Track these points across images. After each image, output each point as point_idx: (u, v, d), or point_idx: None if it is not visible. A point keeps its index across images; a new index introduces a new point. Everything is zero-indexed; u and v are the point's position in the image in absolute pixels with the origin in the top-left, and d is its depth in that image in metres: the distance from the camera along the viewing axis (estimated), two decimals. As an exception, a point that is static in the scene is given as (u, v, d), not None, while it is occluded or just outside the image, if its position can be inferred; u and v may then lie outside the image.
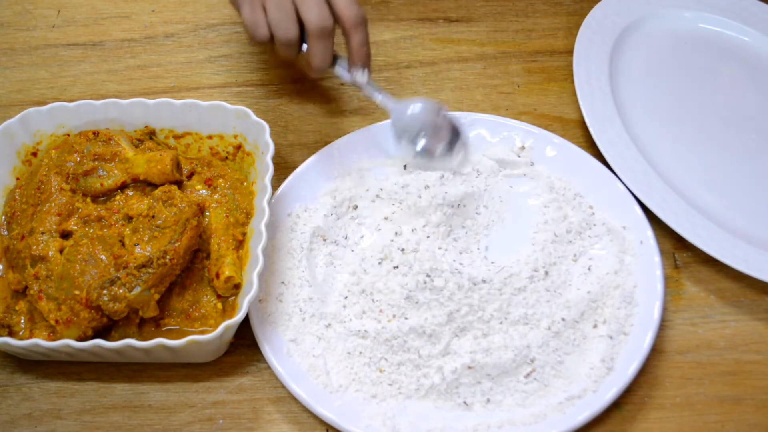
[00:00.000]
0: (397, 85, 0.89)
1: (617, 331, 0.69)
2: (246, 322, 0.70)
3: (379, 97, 0.78)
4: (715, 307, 0.73)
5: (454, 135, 0.78)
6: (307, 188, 0.78)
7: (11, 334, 0.68)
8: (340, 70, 0.77)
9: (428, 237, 0.73)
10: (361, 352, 0.68)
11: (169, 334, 0.68)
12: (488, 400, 0.66)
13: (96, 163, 0.74)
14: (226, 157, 0.78)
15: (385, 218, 0.76)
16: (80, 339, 0.66)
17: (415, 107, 0.78)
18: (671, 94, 0.86)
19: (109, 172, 0.74)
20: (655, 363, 0.70)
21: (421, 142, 0.77)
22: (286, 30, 0.73)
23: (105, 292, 0.66)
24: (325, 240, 0.75)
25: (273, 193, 0.74)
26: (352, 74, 0.77)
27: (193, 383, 0.70)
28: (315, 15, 0.71)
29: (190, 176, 0.76)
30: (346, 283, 0.73)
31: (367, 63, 0.77)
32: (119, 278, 0.66)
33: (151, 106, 0.77)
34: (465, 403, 0.65)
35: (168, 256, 0.67)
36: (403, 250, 0.72)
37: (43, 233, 0.70)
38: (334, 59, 0.77)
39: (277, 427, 0.68)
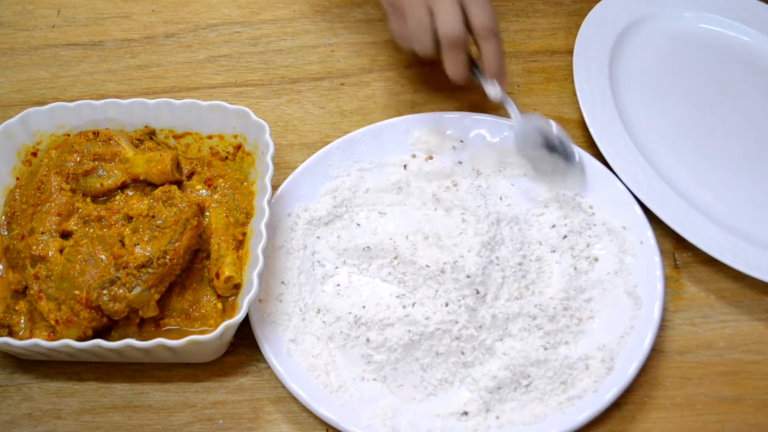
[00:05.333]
0: (397, 85, 0.89)
1: (617, 331, 0.69)
2: (246, 322, 0.70)
3: (511, 110, 0.78)
4: (715, 307, 0.73)
5: (571, 158, 0.77)
6: (307, 188, 0.78)
7: (11, 334, 0.68)
8: (479, 79, 0.78)
9: (427, 238, 0.73)
10: (361, 354, 0.68)
11: (169, 334, 0.68)
12: (488, 410, 0.66)
13: (96, 163, 0.74)
14: (226, 157, 0.78)
15: (385, 217, 0.76)
16: (80, 339, 0.66)
17: (544, 126, 0.77)
18: (671, 94, 0.86)
19: (109, 172, 0.74)
20: (655, 363, 0.70)
21: (552, 155, 0.77)
22: (421, 43, 0.75)
23: (105, 292, 0.66)
24: (325, 240, 0.75)
25: (273, 193, 0.74)
26: (485, 85, 0.77)
27: (193, 383, 0.70)
28: (446, 26, 0.72)
29: (190, 176, 0.76)
30: (347, 284, 0.73)
31: (498, 75, 0.77)
32: (119, 278, 0.66)
33: (151, 106, 0.77)
34: (465, 413, 0.66)
35: (168, 256, 0.67)
36: (404, 250, 0.73)
37: (43, 233, 0.70)
38: (475, 66, 0.78)
39: (277, 427, 0.68)
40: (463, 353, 0.67)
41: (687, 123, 0.84)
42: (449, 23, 0.72)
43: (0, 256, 0.73)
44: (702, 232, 0.73)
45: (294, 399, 0.67)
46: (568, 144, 0.77)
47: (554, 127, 0.77)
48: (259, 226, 0.68)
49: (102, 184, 0.74)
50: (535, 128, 0.77)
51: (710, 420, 0.67)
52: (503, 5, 0.96)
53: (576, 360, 0.67)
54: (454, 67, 0.76)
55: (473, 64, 0.78)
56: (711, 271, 0.75)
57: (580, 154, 0.77)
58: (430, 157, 0.80)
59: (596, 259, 0.73)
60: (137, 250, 0.69)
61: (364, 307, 0.70)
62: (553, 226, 0.75)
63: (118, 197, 0.74)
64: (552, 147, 0.77)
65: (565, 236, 0.74)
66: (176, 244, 0.68)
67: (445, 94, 0.88)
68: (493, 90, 0.77)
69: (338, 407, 0.65)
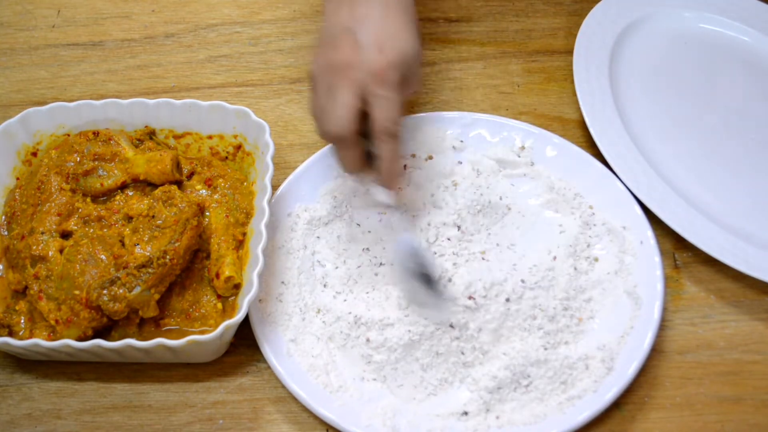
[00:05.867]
0: (397, 85, 0.88)
1: (617, 331, 0.69)
2: (246, 322, 0.70)
3: (396, 222, 0.71)
4: (715, 307, 0.73)
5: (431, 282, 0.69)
6: (307, 188, 0.78)
7: (11, 334, 0.68)
8: (372, 182, 0.71)
9: (427, 239, 0.73)
10: (361, 354, 0.68)
11: (169, 334, 0.68)
12: (488, 410, 0.66)
13: (96, 163, 0.74)
14: (226, 157, 0.78)
15: (385, 217, 0.76)
16: (80, 339, 0.66)
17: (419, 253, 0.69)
18: (671, 94, 0.86)
19: (109, 172, 0.74)
20: (655, 363, 0.70)
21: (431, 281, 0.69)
22: (318, 126, 0.69)
23: (105, 292, 0.66)
24: (325, 240, 0.75)
25: (273, 193, 0.74)
26: (376, 188, 0.70)
27: (193, 383, 0.70)
28: (332, 120, 0.66)
29: (190, 176, 0.76)
30: (347, 284, 0.73)
31: (388, 183, 0.69)
32: (119, 278, 0.66)
33: (151, 106, 0.77)
34: (465, 413, 0.66)
35: (168, 256, 0.67)
36: (402, 250, 0.73)
37: (43, 233, 0.70)
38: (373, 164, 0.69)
39: (277, 427, 0.68)
40: (463, 353, 0.67)
41: (687, 123, 0.84)
42: (336, 119, 0.66)
43: (0, 256, 0.73)
44: (702, 232, 0.73)
45: (294, 399, 0.67)
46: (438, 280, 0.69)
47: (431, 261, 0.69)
48: (259, 226, 0.68)
49: (102, 184, 0.74)
50: (411, 253, 0.69)
51: (710, 420, 0.67)
52: (503, 5, 0.96)
53: (576, 360, 0.67)
54: (341, 162, 0.70)
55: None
56: (711, 271, 0.75)
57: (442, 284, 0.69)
58: (430, 157, 0.80)
59: (596, 259, 0.74)
60: (137, 250, 0.69)
61: (365, 309, 0.70)
62: (554, 226, 0.75)
63: (118, 197, 0.74)
64: (427, 278, 0.68)
65: (562, 233, 0.74)
66: (176, 244, 0.68)
67: (445, 94, 0.88)
68: (381, 195, 0.70)
69: (338, 407, 0.65)
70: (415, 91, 0.72)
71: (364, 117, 0.67)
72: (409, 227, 0.72)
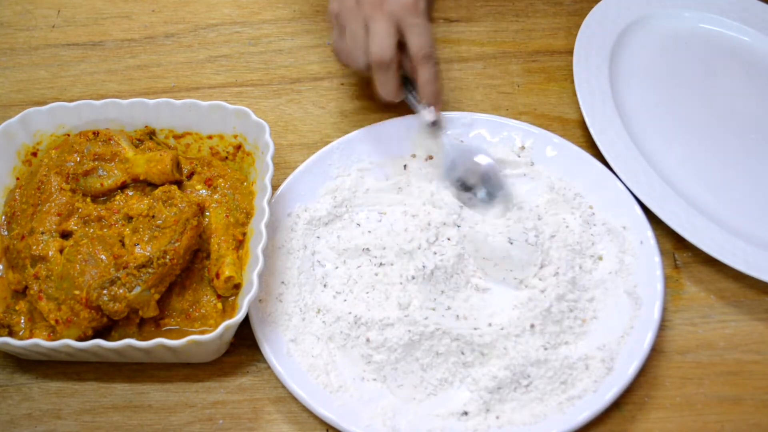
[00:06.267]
0: (397, 85, 0.89)
1: (617, 331, 0.69)
2: (246, 322, 0.70)
3: (444, 140, 0.77)
4: (715, 307, 0.73)
5: (498, 187, 0.76)
6: (307, 188, 0.78)
7: (11, 334, 0.68)
8: (411, 101, 0.77)
9: (427, 239, 0.73)
10: (361, 354, 0.68)
11: (169, 334, 0.68)
12: (488, 410, 0.66)
13: (96, 163, 0.74)
14: (226, 157, 0.78)
15: (385, 217, 0.76)
16: (80, 339, 0.66)
17: (473, 161, 0.77)
18: (671, 94, 0.86)
19: (109, 172, 0.74)
20: (655, 363, 0.70)
21: (471, 191, 0.76)
22: (355, 61, 0.75)
23: (105, 292, 0.66)
24: (325, 240, 0.75)
25: (273, 193, 0.74)
26: (420, 109, 0.77)
27: (193, 383, 0.70)
28: (375, 46, 0.72)
29: (190, 176, 0.76)
30: (347, 284, 0.73)
31: (433, 101, 0.76)
32: (119, 278, 0.66)
33: (151, 106, 0.77)
34: (465, 413, 0.65)
35: (168, 256, 0.67)
36: (403, 251, 0.73)
37: (43, 233, 0.70)
38: (409, 87, 0.77)
39: (277, 427, 0.68)
40: (463, 353, 0.67)
41: (687, 123, 0.84)
42: (379, 45, 0.72)
43: (0, 256, 0.73)
44: (702, 232, 0.73)
45: (294, 399, 0.67)
46: (494, 179, 0.76)
47: (482, 163, 0.77)
48: (259, 226, 0.68)
49: (102, 184, 0.74)
50: (461, 161, 0.77)
51: (710, 420, 0.67)
52: (503, 5, 0.96)
53: (576, 360, 0.67)
54: (382, 87, 0.75)
55: (412, 87, 0.77)
56: (711, 271, 0.75)
57: (507, 188, 0.76)
58: (430, 157, 0.80)
59: (600, 258, 0.73)
60: (137, 250, 0.69)
61: (365, 308, 0.70)
62: (554, 226, 0.75)
63: (118, 197, 0.74)
64: (467, 185, 0.76)
65: (555, 234, 0.74)
66: (176, 244, 0.68)
67: (445, 94, 0.87)
68: (427, 114, 0.76)
69: (338, 407, 0.65)
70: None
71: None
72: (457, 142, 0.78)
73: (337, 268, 0.74)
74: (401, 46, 0.74)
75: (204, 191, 0.75)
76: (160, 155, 0.73)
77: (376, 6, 0.73)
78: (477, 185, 0.76)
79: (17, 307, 0.69)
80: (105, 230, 0.71)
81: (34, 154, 0.77)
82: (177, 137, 0.79)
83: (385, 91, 0.76)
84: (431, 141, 0.79)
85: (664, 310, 0.71)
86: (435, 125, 0.77)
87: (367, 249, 0.74)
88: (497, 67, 0.90)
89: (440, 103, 0.77)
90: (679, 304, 0.73)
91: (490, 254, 0.72)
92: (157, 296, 0.67)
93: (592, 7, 0.90)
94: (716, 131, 0.83)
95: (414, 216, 0.75)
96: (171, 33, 0.95)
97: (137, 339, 0.64)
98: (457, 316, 0.69)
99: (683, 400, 0.68)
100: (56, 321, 0.66)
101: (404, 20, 0.73)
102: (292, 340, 0.69)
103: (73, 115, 0.77)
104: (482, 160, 0.77)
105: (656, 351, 0.70)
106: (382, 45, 0.72)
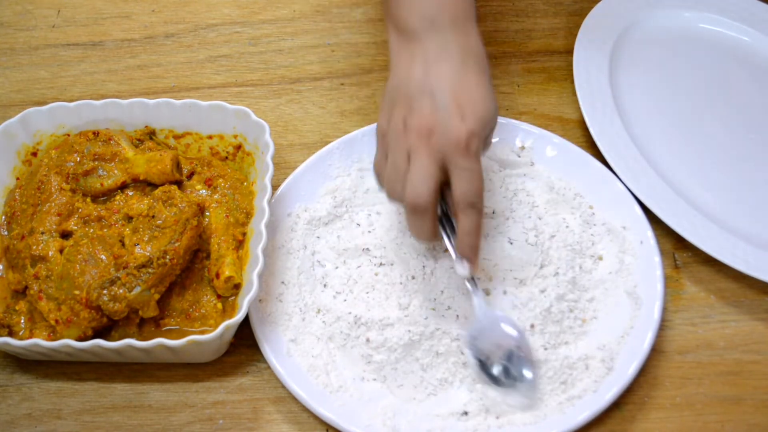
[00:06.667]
0: (397, 85, 0.88)
1: (617, 331, 0.69)
2: (246, 322, 0.70)
3: (474, 299, 0.68)
4: (715, 307, 0.73)
5: (525, 369, 0.66)
6: (307, 188, 0.78)
7: (11, 334, 0.68)
8: (447, 245, 0.68)
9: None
10: (361, 354, 0.68)
11: (169, 334, 0.68)
12: (488, 410, 0.66)
13: (96, 163, 0.74)
14: (226, 157, 0.78)
15: (385, 217, 0.76)
16: (80, 339, 0.66)
17: (499, 330, 0.67)
18: (671, 94, 0.86)
19: (109, 172, 0.74)
20: (655, 363, 0.70)
21: (493, 367, 0.66)
22: (394, 191, 0.66)
23: (105, 292, 0.66)
24: (325, 240, 0.75)
25: (273, 193, 0.74)
26: (455, 259, 0.67)
27: (193, 383, 0.70)
28: (411, 187, 0.63)
29: (190, 176, 0.76)
30: (347, 284, 0.73)
31: (469, 255, 0.65)
32: (119, 278, 0.66)
33: (151, 106, 0.77)
34: (465, 413, 0.65)
35: (168, 256, 0.67)
36: (403, 251, 0.72)
37: (43, 233, 0.70)
38: (448, 228, 0.68)
39: (277, 427, 0.68)
40: (463, 353, 0.67)
41: (687, 123, 0.84)
42: (416, 187, 0.63)
43: (0, 256, 0.73)
44: (702, 232, 0.73)
45: (294, 399, 0.67)
46: (520, 361, 0.66)
47: (513, 339, 0.67)
48: (259, 226, 0.68)
49: (102, 184, 0.74)
50: (492, 332, 0.67)
51: (710, 420, 0.67)
52: (503, 5, 0.96)
53: (576, 360, 0.67)
54: (415, 231, 0.66)
55: (452, 229, 0.68)
56: (711, 271, 0.75)
57: (531, 378, 0.66)
58: (430, 157, 0.80)
59: (600, 258, 0.73)
60: (137, 250, 0.69)
61: (365, 308, 0.70)
62: (554, 226, 0.75)
63: (118, 197, 0.74)
64: (490, 363, 0.66)
65: (555, 234, 0.74)
66: (176, 244, 0.68)
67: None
68: (460, 268, 0.66)
69: (338, 407, 0.65)
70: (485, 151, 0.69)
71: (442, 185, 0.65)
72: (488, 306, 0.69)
73: (337, 268, 0.74)
74: (445, 184, 0.65)
75: (204, 191, 0.75)
76: (160, 155, 0.74)
77: (423, 137, 0.63)
78: (499, 363, 0.66)
79: (17, 307, 0.69)
80: (105, 230, 0.71)
81: (34, 154, 0.77)
82: (177, 137, 0.79)
83: (417, 233, 0.66)
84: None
85: (664, 310, 0.71)
86: (470, 281, 0.68)
87: (367, 249, 0.74)
88: (497, 67, 0.90)
89: (477, 257, 0.66)
90: (679, 304, 0.73)
91: (490, 254, 0.72)
92: (157, 296, 0.67)
93: (592, 7, 0.90)
94: (716, 131, 0.83)
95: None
96: (171, 33, 0.95)
97: (137, 339, 0.64)
98: (457, 316, 0.69)
99: (683, 400, 0.68)
100: (56, 321, 0.66)
101: (452, 161, 0.63)
102: (292, 340, 0.69)
103: (73, 115, 0.77)
104: (511, 331, 0.67)
105: (656, 351, 0.70)
106: (419, 188, 0.63)
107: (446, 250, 0.70)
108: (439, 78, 0.65)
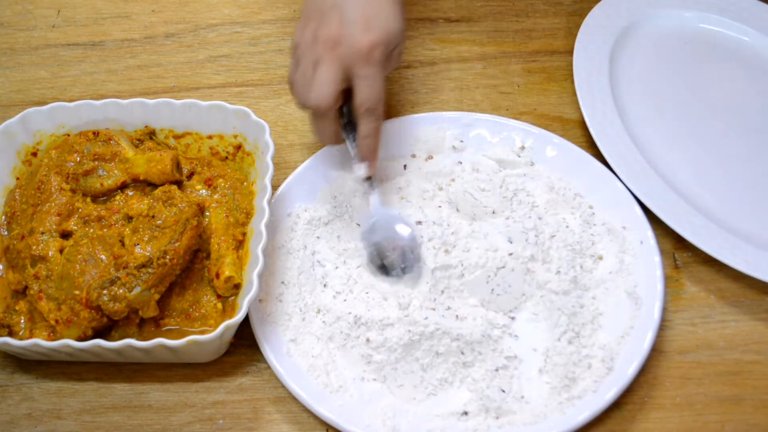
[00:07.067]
0: (397, 85, 0.89)
1: (617, 331, 0.69)
2: (246, 322, 0.70)
3: (371, 198, 0.74)
4: (715, 307, 0.73)
5: (415, 258, 0.72)
6: (307, 188, 0.78)
7: (11, 334, 0.68)
8: (350, 149, 0.74)
9: (429, 240, 0.73)
10: (361, 354, 0.68)
11: (169, 334, 0.68)
12: (487, 410, 0.66)
13: (96, 163, 0.74)
14: (226, 157, 0.78)
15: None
16: (80, 339, 0.66)
17: (391, 230, 0.73)
18: (671, 94, 0.86)
19: (109, 172, 0.74)
20: (655, 363, 0.70)
21: (384, 259, 0.72)
22: (300, 98, 0.71)
23: (105, 292, 0.66)
24: (325, 240, 0.75)
25: (273, 193, 0.74)
26: (354, 162, 0.73)
27: (193, 383, 0.70)
28: (314, 92, 0.69)
29: (190, 176, 0.76)
30: (347, 284, 0.73)
31: (368, 157, 0.72)
32: (119, 278, 0.66)
33: (151, 106, 0.77)
34: (465, 413, 0.65)
35: (168, 256, 0.67)
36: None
37: (43, 233, 0.70)
38: (352, 134, 0.73)
39: (277, 427, 0.68)
40: (462, 353, 0.67)
41: (687, 123, 0.84)
42: (318, 91, 0.69)
43: (0, 256, 0.73)
44: (702, 232, 0.73)
45: (294, 399, 0.67)
46: (409, 254, 0.72)
47: (405, 237, 0.72)
48: (259, 226, 0.68)
49: (102, 184, 0.74)
50: (383, 226, 0.73)
51: (710, 420, 0.67)
52: (503, 5, 0.96)
53: (576, 360, 0.67)
54: (317, 133, 0.73)
55: (354, 135, 0.73)
56: (711, 271, 0.75)
57: (422, 262, 0.71)
58: (431, 157, 0.80)
59: (600, 258, 0.73)
60: (137, 250, 0.69)
61: (365, 309, 0.70)
62: (554, 226, 0.75)
63: (118, 197, 0.74)
64: (383, 262, 0.72)
65: (555, 234, 0.74)
66: (176, 244, 0.68)
67: (445, 94, 0.88)
68: (359, 169, 0.73)
69: (338, 407, 0.65)
70: (396, 67, 0.75)
71: (345, 91, 0.70)
72: (384, 202, 0.76)
73: (337, 268, 0.74)
74: (349, 92, 0.70)
75: (204, 191, 0.75)
76: (160, 155, 0.73)
77: (328, 47, 0.68)
78: (392, 255, 0.72)
79: (17, 307, 0.69)
80: (105, 230, 0.71)
81: (34, 154, 0.77)
82: (177, 137, 0.79)
83: (319, 136, 0.74)
84: (434, 138, 0.78)
85: (664, 310, 0.71)
86: (367, 181, 0.74)
87: (368, 250, 0.74)
88: (497, 67, 0.90)
89: (375, 159, 0.73)
90: (679, 304, 0.73)
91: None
92: (157, 296, 0.67)
93: (592, 7, 0.90)
94: (716, 131, 0.83)
95: (414, 216, 0.75)
96: (171, 33, 0.95)
97: (137, 339, 0.64)
98: (457, 316, 0.69)
99: (683, 400, 0.68)
100: (56, 321, 0.66)
101: (354, 68, 0.68)
102: (292, 340, 0.69)
103: (73, 115, 0.77)
104: (404, 230, 0.73)
105: (656, 351, 0.70)
106: (321, 92, 0.69)
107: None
108: None
